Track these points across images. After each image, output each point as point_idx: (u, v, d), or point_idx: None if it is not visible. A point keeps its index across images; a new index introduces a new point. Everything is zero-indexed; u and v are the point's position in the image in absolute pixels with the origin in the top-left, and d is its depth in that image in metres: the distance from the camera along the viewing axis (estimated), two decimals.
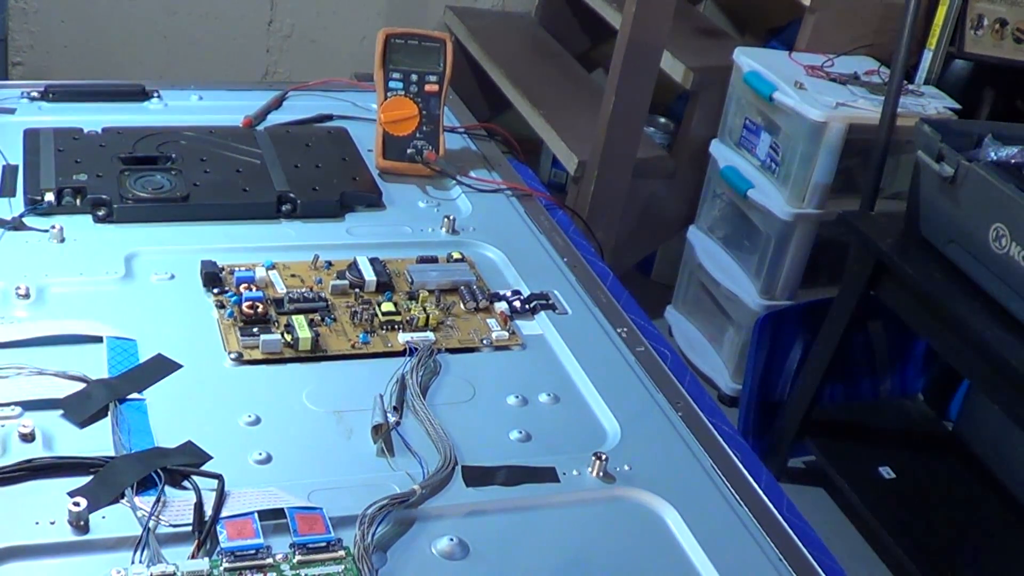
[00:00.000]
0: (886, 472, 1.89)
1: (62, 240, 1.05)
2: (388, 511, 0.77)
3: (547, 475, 0.84)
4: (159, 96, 1.38)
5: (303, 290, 1.01)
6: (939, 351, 1.79)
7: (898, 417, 2.08)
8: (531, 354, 1.00)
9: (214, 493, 0.75)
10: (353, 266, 1.05)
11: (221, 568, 0.70)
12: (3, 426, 0.80)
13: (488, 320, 1.03)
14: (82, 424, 0.82)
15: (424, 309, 1.01)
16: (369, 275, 1.04)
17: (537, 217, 1.25)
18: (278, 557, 0.71)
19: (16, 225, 1.06)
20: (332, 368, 0.94)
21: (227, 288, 1.00)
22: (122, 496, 0.75)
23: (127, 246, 1.06)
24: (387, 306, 1.00)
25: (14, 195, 1.11)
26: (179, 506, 0.75)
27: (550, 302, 1.07)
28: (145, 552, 0.70)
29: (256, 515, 0.74)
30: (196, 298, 1.00)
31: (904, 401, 2.12)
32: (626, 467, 0.86)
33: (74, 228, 1.07)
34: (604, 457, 0.85)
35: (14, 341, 0.89)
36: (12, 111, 1.29)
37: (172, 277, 1.02)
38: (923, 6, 1.90)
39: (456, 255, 1.11)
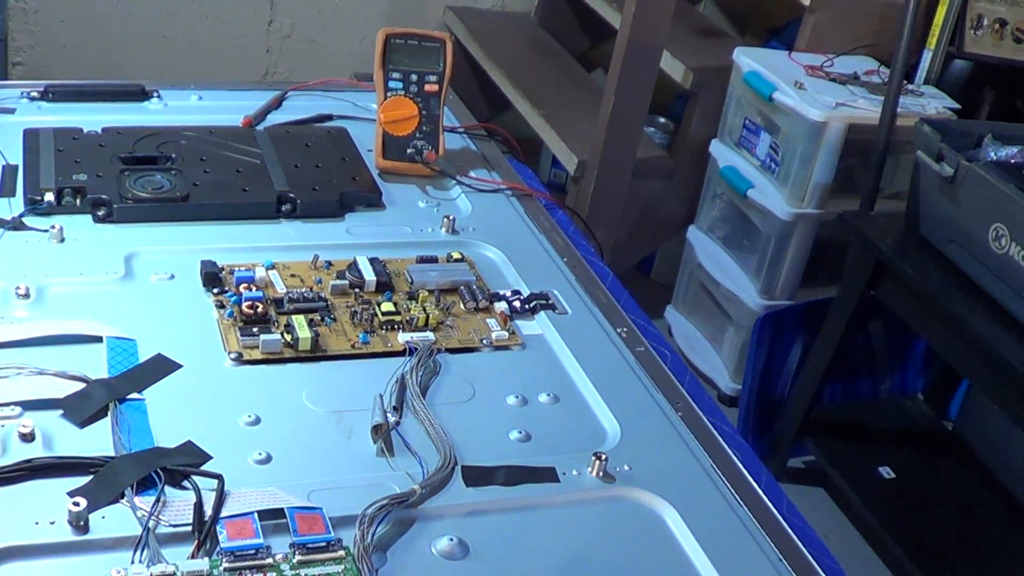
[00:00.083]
0: (886, 472, 1.89)
1: (62, 240, 1.05)
2: (388, 511, 0.77)
3: (547, 475, 0.84)
4: (159, 96, 1.38)
5: (303, 290, 1.01)
6: (939, 351, 1.78)
7: (898, 417, 2.08)
8: (531, 354, 1.00)
9: (214, 493, 0.75)
10: (353, 266, 1.05)
11: (221, 568, 0.70)
12: (3, 426, 0.80)
13: (488, 320, 1.03)
14: (82, 424, 0.82)
15: (424, 309, 1.01)
16: (369, 275, 1.04)
17: (537, 217, 1.25)
18: (278, 557, 0.71)
19: (16, 225, 1.06)
20: (332, 368, 0.94)
21: (227, 288, 1.00)
22: (122, 496, 0.75)
23: (127, 246, 1.06)
24: (387, 306, 1.00)
25: (14, 195, 1.11)
26: (179, 506, 0.75)
27: (550, 302, 1.07)
28: (145, 552, 0.70)
29: (256, 515, 0.74)
30: (196, 298, 1.00)
31: (904, 401, 2.12)
32: (626, 467, 0.86)
33: (74, 228, 1.07)
34: (604, 457, 0.85)
35: (14, 341, 0.89)
36: (12, 111, 1.29)
37: (172, 277, 1.02)
38: (923, 6, 1.90)
39: (456, 255, 1.11)
